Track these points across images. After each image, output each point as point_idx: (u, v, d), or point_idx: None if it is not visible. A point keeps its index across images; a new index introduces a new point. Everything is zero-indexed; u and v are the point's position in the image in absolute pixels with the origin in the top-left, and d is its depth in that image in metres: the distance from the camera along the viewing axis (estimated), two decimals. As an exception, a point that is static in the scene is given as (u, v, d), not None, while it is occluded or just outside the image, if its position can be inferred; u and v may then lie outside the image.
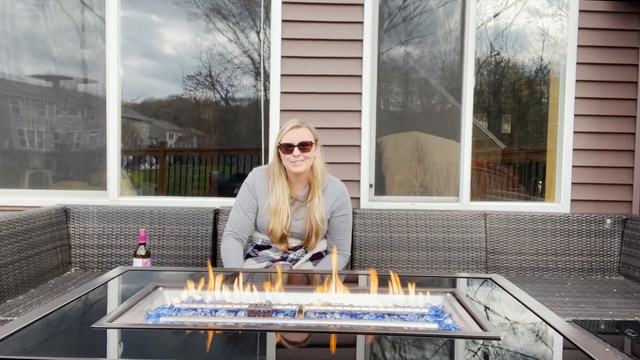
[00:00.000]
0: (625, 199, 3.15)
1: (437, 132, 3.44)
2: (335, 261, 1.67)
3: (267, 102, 3.19)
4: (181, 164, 3.80)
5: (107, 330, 1.24)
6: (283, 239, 2.22)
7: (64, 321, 1.33)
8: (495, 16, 3.41)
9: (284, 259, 2.25)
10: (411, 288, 1.51)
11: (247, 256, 2.35)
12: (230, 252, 2.19)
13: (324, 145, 3.07)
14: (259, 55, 3.36)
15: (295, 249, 2.26)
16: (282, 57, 3.07)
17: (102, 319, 1.28)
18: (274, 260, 2.25)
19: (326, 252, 2.35)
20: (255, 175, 2.28)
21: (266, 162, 3.23)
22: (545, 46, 3.41)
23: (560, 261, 2.92)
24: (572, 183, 3.15)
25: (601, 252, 2.93)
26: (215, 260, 2.85)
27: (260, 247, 2.30)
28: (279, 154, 2.20)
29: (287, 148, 2.14)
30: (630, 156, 3.15)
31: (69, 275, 2.74)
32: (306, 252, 2.29)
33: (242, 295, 1.51)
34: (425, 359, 1.13)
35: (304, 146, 2.14)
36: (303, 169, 2.15)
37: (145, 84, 3.44)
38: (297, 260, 2.26)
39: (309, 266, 2.28)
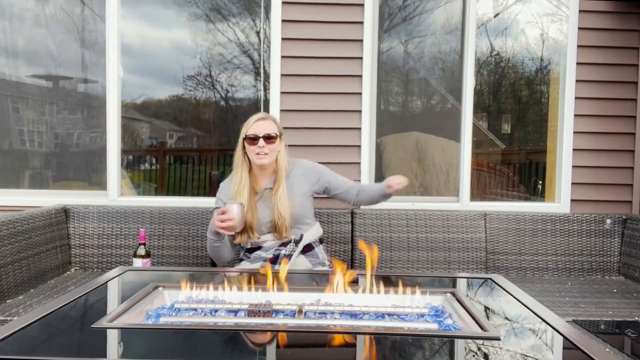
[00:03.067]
0: (625, 199, 3.15)
1: (437, 132, 3.44)
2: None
3: (267, 102, 3.19)
4: (181, 164, 3.80)
5: (107, 330, 1.24)
6: (243, 229, 2.20)
7: (64, 321, 1.33)
8: (495, 16, 3.42)
9: (276, 257, 2.24)
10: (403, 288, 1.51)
11: (240, 260, 2.37)
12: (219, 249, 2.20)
13: (323, 145, 3.10)
14: (259, 55, 3.36)
15: (285, 244, 2.26)
16: (282, 57, 3.07)
17: (102, 319, 1.28)
18: (266, 260, 2.24)
19: (321, 240, 2.36)
20: (222, 187, 2.36)
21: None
22: (545, 46, 3.41)
23: (560, 261, 2.92)
24: (572, 183, 3.15)
25: (601, 252, 2.93)
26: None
27: (250, 250, 2.30)
28: (244, 147, 2.24)
29: (252, 140, 2.19)
30: (630, 156, 3.15)
31: (69, 275, 2.74)
32: (296, 245, 2.27)
33: (242, 295, 1.51)
34: (425, 359, 1.13)
35: (269, 138, 2.20)
36: (267, 162, 2.21)
37: (145, 84, 3.45)
38: (289, 256, 2.24)
39: (303, 261, 2.27)
